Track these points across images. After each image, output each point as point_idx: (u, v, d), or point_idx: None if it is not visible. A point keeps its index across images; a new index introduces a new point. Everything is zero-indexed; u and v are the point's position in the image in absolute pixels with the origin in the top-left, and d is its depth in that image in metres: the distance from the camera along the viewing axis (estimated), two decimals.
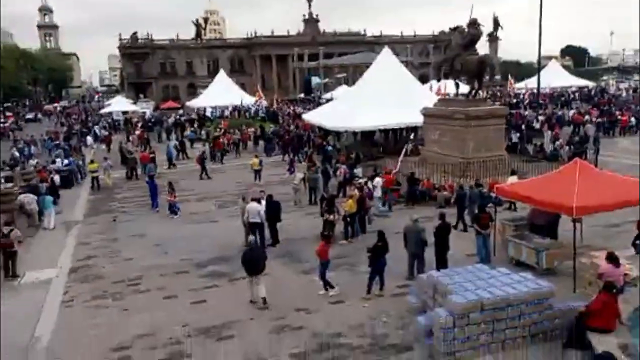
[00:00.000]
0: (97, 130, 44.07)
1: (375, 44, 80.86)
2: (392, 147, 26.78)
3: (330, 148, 27.46)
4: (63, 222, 18.84)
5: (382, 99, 26.37)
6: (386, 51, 32.06)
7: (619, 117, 34.91)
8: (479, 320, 8.65)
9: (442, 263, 11.93)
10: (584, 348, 8.11)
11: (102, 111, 61.83)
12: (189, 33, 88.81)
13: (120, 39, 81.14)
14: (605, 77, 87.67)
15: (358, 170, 21.71)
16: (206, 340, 9.90)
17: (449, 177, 19.83)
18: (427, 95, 29.84)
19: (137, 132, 39.73)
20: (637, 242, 11.83)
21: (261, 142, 34.16)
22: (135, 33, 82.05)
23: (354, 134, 29.86)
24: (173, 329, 10.36)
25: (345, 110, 28.65)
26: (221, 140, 32.30)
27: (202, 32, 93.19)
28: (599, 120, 33.91)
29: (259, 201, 15.43)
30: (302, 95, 69.80)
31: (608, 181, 12.29)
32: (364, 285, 11.43)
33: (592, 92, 58.63)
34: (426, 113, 23.89)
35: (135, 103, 66.10)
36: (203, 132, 40.18)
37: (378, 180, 18.61)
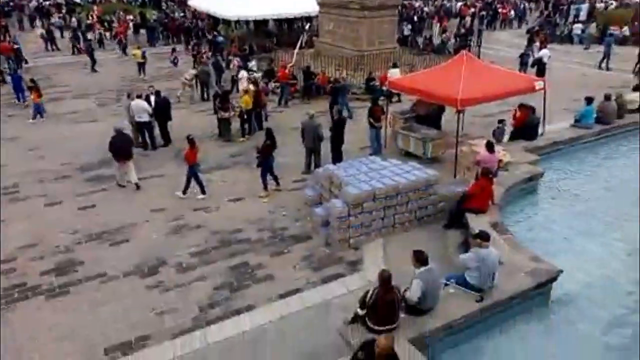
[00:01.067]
0: None
1: None
2: (286, 39, 25.87)
3: (221, 39, 25.82)
4: None
5: None
6: None
7: (500, 9, 36.52)
8: (372, 209, 9.19)
9: (337, 156, 12.25)
10: (462, 227, 9.05)
11: None
12: None
13: None
14: None
15: (252, 64, 20.83)
16: (98, 246, 9.51)
17: (344, 70, 19.80)
18: None
19: None
20: (498, 126, 12.86)
21: (142, 32, 31.11)
22: None
23: (246, 23, 28.23)
24: (60, 236, 9.78)
25: None
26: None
27: None
28: (482, 12, 35.21)
29: (147, 98, 14.35)
30: None
31: (490, 74, 13.00)
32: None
33: None
34: (322, 2, 23.04)
35: None
36: (73, 19, 35.47)
37: (243, 73, 17.92)
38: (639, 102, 14.26)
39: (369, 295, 6.14)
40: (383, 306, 6.04)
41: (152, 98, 14.39)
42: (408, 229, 9.62)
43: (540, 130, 13.05)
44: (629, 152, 12.69)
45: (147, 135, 14.03)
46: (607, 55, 22.83)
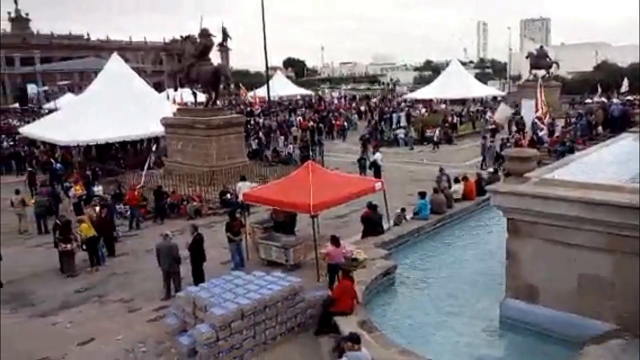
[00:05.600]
0: None
1: (101, 49, 74.88)
2: (133, 160, 25.27)
3: (59, 166, 24.28)
4: None
5: (117, 108, 24.78)
6: (115, 57, 30.06)
7: (334, 121, 40.58)
8: (241, 328, 8.84)
9: (199, 276, 11.75)
10: (333, 332, 9.09)
11: None
12: None
13: None
14: (321, 86, 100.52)
15: (98, 189, 19.76)
16: None
17: (197, 187, 19.77)
18: (165, 104, 29.18)
19: None
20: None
21: None
22: None
23: (88, 147, 27.12)
24: None
25: (75, 121, 25.67)
26: None
27: None
28: (320, 124, 38.70)
29: None
30: (17, 105, 60.35)
31: (335, 179, 14.13)
32: (117, 317, 10.41)
33: (313, 100, 66.50)
34: (167, 123, 23.34)
35: None
36: None
37: None
38: (462, 193, 16.45)
39: None
40: None
41: None
42: (280, 343, 9.35)
43: (385, 226, 14.19)
44: (462, 236, 14.36)
45: None
46: (484, 157, 24.45)
